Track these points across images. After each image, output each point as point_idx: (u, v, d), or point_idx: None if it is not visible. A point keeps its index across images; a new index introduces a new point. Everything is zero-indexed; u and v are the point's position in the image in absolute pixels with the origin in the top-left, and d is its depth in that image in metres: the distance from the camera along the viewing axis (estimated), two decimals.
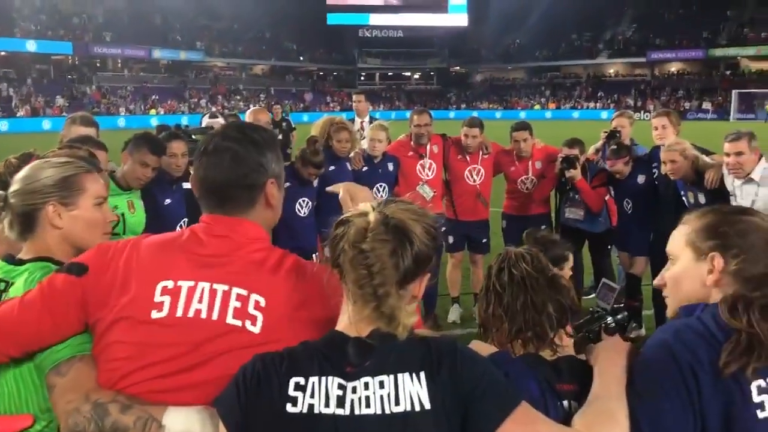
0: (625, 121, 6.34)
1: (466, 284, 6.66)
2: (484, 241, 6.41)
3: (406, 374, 1.40)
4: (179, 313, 1.57)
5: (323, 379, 1.40)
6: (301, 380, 1.40)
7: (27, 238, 1.91)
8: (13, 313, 1.62)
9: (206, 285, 1.59)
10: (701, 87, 60.20)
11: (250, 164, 1.67)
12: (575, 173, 5.70)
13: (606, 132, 6.27)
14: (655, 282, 1.83)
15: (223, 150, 1.67)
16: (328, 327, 1.52)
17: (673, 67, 65.86)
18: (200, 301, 1.58)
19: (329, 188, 1.94)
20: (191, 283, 1.59)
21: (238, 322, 1.56)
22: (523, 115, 53.09)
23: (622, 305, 1.99)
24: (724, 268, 1.64)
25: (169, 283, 1.59)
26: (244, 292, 1.58)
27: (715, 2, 62.45)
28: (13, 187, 1.91)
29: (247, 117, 5.37)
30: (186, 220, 4.54)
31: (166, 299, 1.58)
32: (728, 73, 60.53)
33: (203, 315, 1.57)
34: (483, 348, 1.77)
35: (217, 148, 1.68)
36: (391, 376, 1.40)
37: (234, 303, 1.57)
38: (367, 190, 1.87)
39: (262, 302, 1.58)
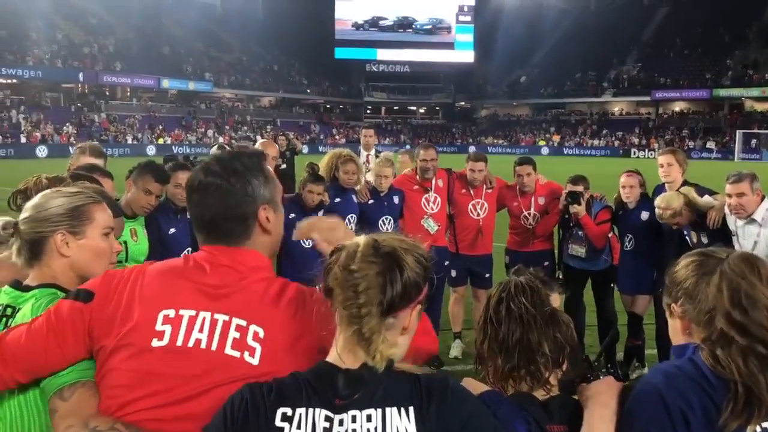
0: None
1: (468, 319, 6.62)
2: (487, 275, 6.39)
3: (394, 409, 1.40)
4: (179, 342, 1.57)
5: (310, 410, 1.40)
6: (288, 411, 1.41)
7: (34, 265, 1.92)
8: (21, 340, 1.64)
9: (207, 315, 1.60)
10: (705, 126, 60.49)
11: (236, 196, 1.67)
12: (580, 209, 5.69)
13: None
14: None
15: (207, 186, 1.68)
16: (325, 356, 1.53)
17: (678, 106, 66.25)
18: (200, 330, 1.58)
19: (295, 236, 1.88)
20: (192, 313, 1.60)
21: (237, 353, 1.56)
22: (526, 150, 53.41)
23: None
24: (682, 315, 1.67)
25: (171, 312, 1.60)
26: (243, 323, 1.58)
27: (719, 43, 63.14)
28: (24, 214, 1.94)
29: (257, 148, 5.43)
30: (190, 249, 4.55)
31: (167, 328, 1.59)
32: (733, 113, 60.85)
33: (203, 345, 1.57)
34: (475, 386, 1.73)
35: (201, 184, 1.69)
36: (379, 410, 1.40)
37: (233, 334, 1.58)
38: (340, 222, 1.85)
39: (261, 333, 1.58)
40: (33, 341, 1.63)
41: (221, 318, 1.59)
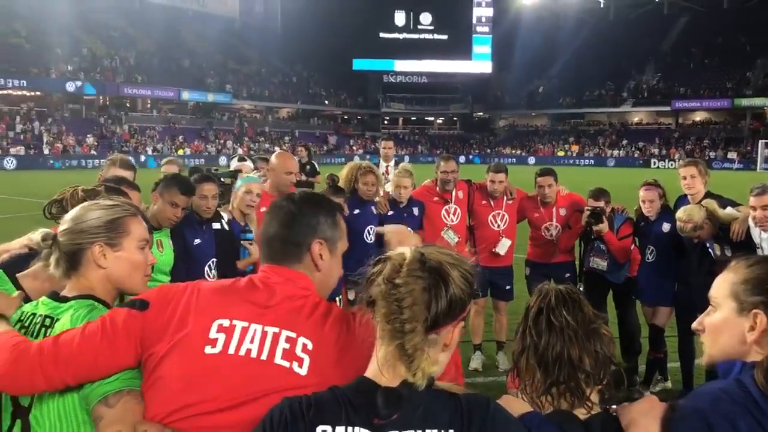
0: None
1: (488, 331, 6.61)
2: (508, 287, 6.38)
3: (435, 431, 1.38)
4: (231, 350, 1.63)
5: (349, 429, 1.39)
6: (328, 429, 1.40)
7: (72, 276, 1.96)
8: (74, 342, 1.68)
9: (258, 327, 1.66)
10: (727, 136, 59.89)
11: (299, 222, 1.79)
12: (602, 227, 5.63)
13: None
14: (694, 325, 1.75)
15: (280, 208, 1.82)
16: None
17: (698, 116, 65.68)
18: (252, 341, 1.64)
19: (378, 228, 2.06)
20: (245, 324, 1.66)
21: (287, 363, 1.61)
22: (544, 161, 53.19)
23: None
24: (767, 327, 1.54)
25: (225, 322, 1.67)
26: (293, 335, 1.64)
27: (740, 52, 62.53)
28: (63, 226, 1.98)
29: (274, 159, 5.45)
30: (214, 260, 4.61)
31: (221, 336, 1.64)
32: (754, 122, 60.17)
33: (253, 354, 1.62)
34: (515, 405, 1.65)
35: (276, 206, 1.85)
36: None
37: (283, 344, 1.63)
38: (418, 237, 1.90)
39: (310, 345, 1.63)
40: (86, 345, 1.68)
41: (271, 330, 1.65)
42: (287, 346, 1.62)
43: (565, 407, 1.65)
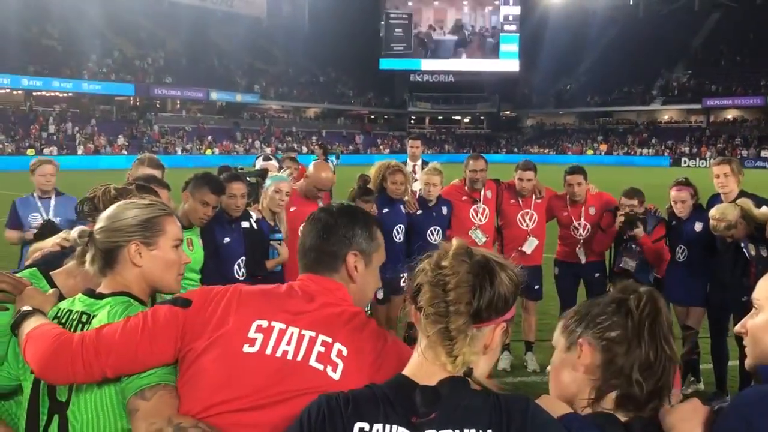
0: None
1: (517, 331, 6.56)
2: (537, 287, 6.32)
3: (473, 430, 1.37)
4: (269, 351, 1.66)
5: (387, 427, 1.39)
6: (366, 426, 1.39)
7: (107, 273, 1.99)
8: (116, 335, 1.72)
9: (296, 330, 1.69)
10: (760, 134, 58.79)
11: (335, 233, 1.83)
12: (638, 232, 5.51)
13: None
14: (736, 328, 1.71)
15: (318, 220, 1.87)
16: None
17: (730, 114, 64.60)
18: (288, 343, 1.67)
19: None
20: (283, 326, 1.70)
21: (321, 366, 1.63)
22: (573, 160, 52.68)
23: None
24: None
25: (264, 323, 1.70)
26: (329, 340, 1.67)
27: None
28: (99, 224, 2.01)
29: (311, 169, 5.48)
30: (244, 258, 4.64)
31: (259, 336, 1.68)
32: None
33: (289, 356, 1.65)
34: (553, 405, 1.57)
35: (314, 217, 1.89)
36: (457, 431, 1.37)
37: (318, 348, 1.66)
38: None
39: (344, 351, 1.66)
40: (127, 338, 1.71)
41: (308, 333, 1.68)
42: (323, 349, 1.65)
43: (609, 407, 1.55)
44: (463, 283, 1.40)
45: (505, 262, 1.48)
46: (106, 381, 1.75)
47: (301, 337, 1.67)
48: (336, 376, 1.62)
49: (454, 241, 1.48)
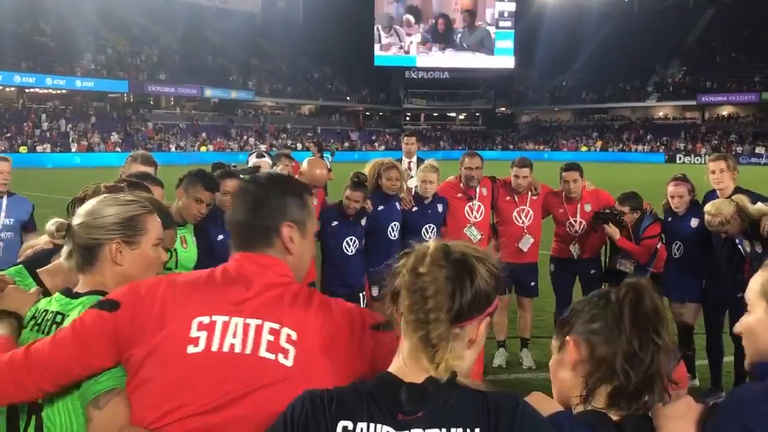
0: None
1: (512, 328, 6.55)
2: (533, 284, 6.33)
3: (460, 429, 1.34)
4: (215, 347, 1.58)
5: (372, 426, 1.36)
6: (349, 425, 1.36)
7: (86, 270, 1.94)
8: (45, 349, 1.66)
9: (240, 320, 1.61)
10: (755, 131, 58.94)
11: (266, 205, 1.74)
12: (611, 232, 5.61)
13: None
14: (735, 328, 1.70)
15: (247, 192, 1.78)
16: (354, 364, 1.60)
17: (725, 111, 64.69)
18: (234, 335, 1.59)
19: None
20: (226, 318, 1.62)
21: (272, 356, 1.57)
22: (569, 156, 52.74)
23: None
24: None
25: (205, 319, 1.62)
26: (276, 326, 1.60)
27: None
28: (78, 219, 1.95)
29: (305, 166, 5.47)
30: None
31: (203, 334, 1.60)
32: None
33: (237, 349, 1.58)
34: (543, 403, 1.56)
35: (241, 190, 1.81)
36: (443, 430, 1.34)
37: (267, 336, 1.59)
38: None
39: (294, 336, 1.59)
40: (57, 351, 1.64)
41: (253, 322, 1.60)
42: (271, 338, 1.58)
43: (601, 405, 1.53)
44: (442, 290, 1.37)
45: (483, 255, 1.43)
46: (76, 386, 1.70)
47: (246, 327, 1.60)
48: (289, 362, 1.56)
49: (432, 244, 1.42)
